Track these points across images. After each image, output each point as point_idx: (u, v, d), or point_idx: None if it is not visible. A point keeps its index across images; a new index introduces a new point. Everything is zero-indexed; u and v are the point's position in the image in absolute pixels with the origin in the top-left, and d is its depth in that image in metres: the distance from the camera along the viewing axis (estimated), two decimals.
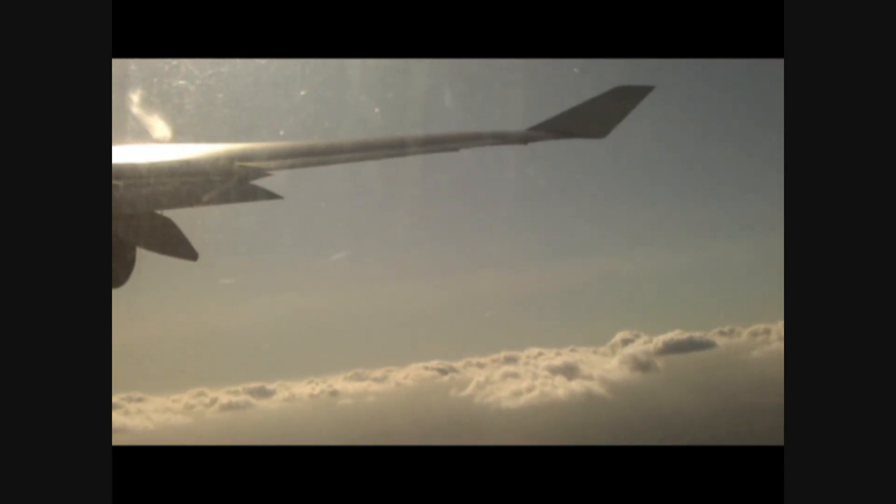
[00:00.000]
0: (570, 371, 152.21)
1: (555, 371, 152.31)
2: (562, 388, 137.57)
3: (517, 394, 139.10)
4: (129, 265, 4.03)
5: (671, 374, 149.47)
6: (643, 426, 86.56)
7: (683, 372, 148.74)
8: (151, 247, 4.12)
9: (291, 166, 4.74)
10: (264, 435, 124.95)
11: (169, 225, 4.09)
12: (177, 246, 4.15)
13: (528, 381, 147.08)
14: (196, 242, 4.18)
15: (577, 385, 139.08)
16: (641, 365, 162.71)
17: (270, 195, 4.26)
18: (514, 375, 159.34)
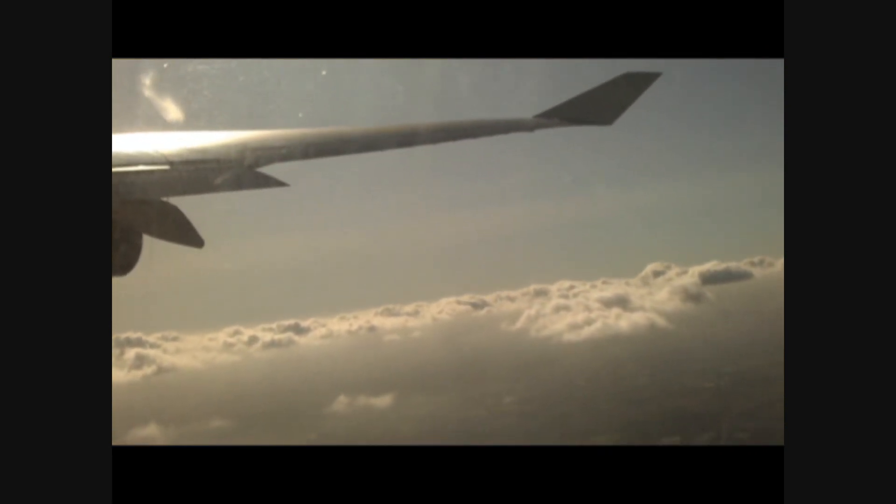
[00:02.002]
0: (623, 303, 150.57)
1: (608, 303, 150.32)
2: (624, 321, 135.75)
3: (575, 327, 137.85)
4: (136, 251, 4.06)
5: (723, 305, 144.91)
6: (716, 355, 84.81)
7: (734, 302, 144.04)
8: (159, 234, 4.15)
9: (303, 155, 4.77)
10: (320, 372, 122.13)
11: (175, 212, 4.11)
12: (183, 233, 4.17)
13: (583, 314, 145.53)
14: (201, 225, 4.21)
15: (639, 317, 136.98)
16: (692, 296, 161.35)
17: (279, 183, 4.30)
18: (566, 308, 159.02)
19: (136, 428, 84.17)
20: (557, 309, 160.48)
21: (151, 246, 4.14)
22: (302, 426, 78.24)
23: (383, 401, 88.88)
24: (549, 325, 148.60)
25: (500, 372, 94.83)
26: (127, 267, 4.02)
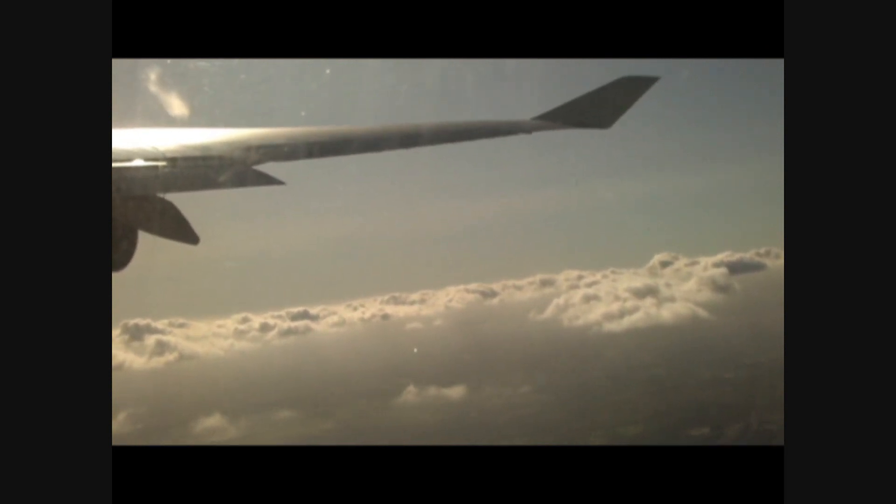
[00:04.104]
0: (653, 293, 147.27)
1: (640, 293, 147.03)
2: (666, 311, 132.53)
3: (611, 317, 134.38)
4: (132, 247, 4.07)
5: (751, 295, 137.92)
6: (773, 345, 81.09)
7: (760, 292, 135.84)
8: (155, 230, 4.15)
9: (306, 155, 4.78)
10: (359, 360, 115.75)
11: (171, 208, 4.12)
12: (179, 229, 4.18)
13: (617, 304, 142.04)
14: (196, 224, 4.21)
15: (680, 307, 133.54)
16: (721, 287, 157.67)
17: (278, 181, 4.31)
18: (595, 298, 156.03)
19: (199, 418, 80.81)
20: (587, 299, 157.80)
21: (148, 236, 4.16)
22: (378, 418, 75.06)
23: (455, 392, 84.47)
24: (582, 314, 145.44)
25: (559, 363, 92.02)
26: (123, 263, 4.04)
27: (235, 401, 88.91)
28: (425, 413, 76.43)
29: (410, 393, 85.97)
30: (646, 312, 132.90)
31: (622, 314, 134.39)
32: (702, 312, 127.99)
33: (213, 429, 78.52)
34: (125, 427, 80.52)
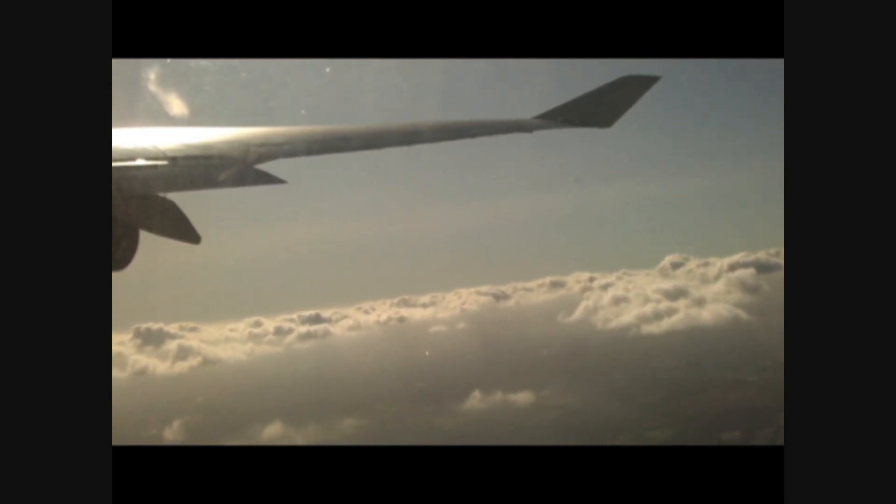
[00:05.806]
0: (683, 294, 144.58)
1: (669, 295, 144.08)
2: (707, 312, 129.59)
3: (647, 319, 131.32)
4: (134, 247, 4.07)
5: (780, 295, 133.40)
6: None
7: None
8: (156, 230, 4.15)
9: (306, 152, 4.78)
10: (394, 365, 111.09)
11: (173, 208, 4.12)
12: (180, 228, 4.17)
13: (650, 305, 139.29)
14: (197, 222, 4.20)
15: (720, 308, 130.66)
16: (751, 287, 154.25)
17: (279, 180, 4.31)
18: (625, 300, 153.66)
19: (255, 425, 78.31)
20: (616, 301, 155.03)
21: (151, 238, 4.15)
22: (449, 425, 73.10)
23: (522, 397, 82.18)
24: (613, 317, 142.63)
25: (612, 366, 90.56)
26: (124, 262, 4.03)
27: (290, 407, 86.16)
28: (500, 417, 75.08)
29: (476, 398, 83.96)
30: (685, 314, 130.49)
31: (658, 316, 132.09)
32: (742, 313, 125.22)
33: (280, 437, 76.22)
34: (181, 435, 78.58)
